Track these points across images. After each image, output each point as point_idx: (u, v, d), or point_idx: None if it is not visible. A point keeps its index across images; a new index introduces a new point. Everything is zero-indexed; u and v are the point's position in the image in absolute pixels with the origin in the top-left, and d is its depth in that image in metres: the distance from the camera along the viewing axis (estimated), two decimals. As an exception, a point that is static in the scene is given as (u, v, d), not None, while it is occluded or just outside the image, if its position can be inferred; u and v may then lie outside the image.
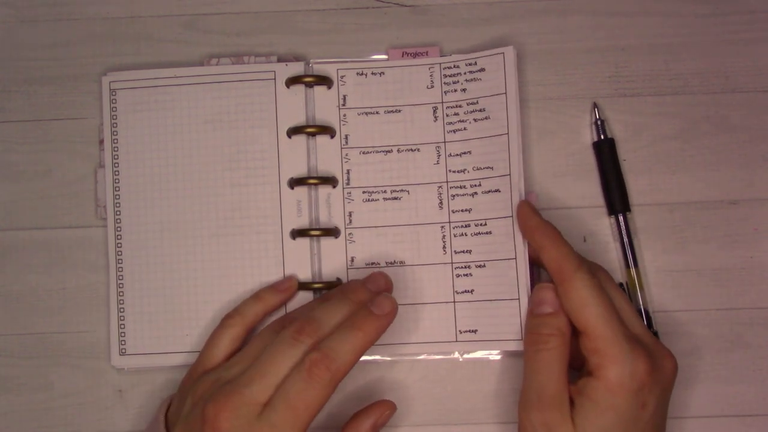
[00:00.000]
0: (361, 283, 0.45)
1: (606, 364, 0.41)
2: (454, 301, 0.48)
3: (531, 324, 0.44)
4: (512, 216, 0.47)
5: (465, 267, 0.48)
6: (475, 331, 0.47)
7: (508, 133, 0.48)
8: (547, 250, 0.43)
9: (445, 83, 0.49)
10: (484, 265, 0.48)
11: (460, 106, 0.49)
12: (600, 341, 0.41)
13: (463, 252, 0.48)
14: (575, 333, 0.43)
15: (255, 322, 0.47)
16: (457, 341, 0.48)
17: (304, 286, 0.48)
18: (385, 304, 0.43)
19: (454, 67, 0.49)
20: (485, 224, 0.48)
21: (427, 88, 0.49)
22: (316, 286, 0.48)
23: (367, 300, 0.43)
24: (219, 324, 0.46)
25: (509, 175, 0.47)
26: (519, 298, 0.46)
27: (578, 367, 0.45)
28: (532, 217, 0.45)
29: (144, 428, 0.48)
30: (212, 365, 0.45)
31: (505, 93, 0.48)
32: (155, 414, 0.45)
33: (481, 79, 0.49)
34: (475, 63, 0.49)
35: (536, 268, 0.49)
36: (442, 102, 0.49)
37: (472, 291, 0.48)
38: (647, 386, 0.41)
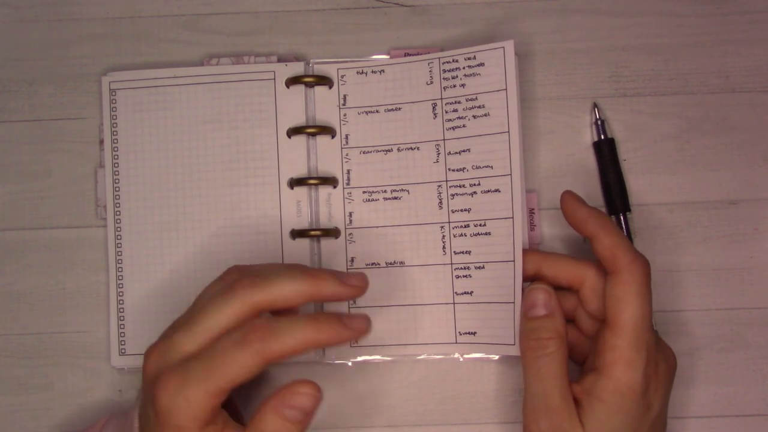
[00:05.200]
0: (334, 272, 0.41)
1: (620, 365, 0.40)
2: (454, 303, 0.48)
3: (527, 328, 0.43)
4: (512, 217, 0.46)
5: (464, 268, 0.48)
6: (474, 333, 0.47)
7: (508, 131, 0.47)
8: (601, 239, 0.42)
9: (444, 78, 0.49)
10: (483, 267, 0.47)
11: (459, 102, 0.48)
12: (623, 340, 0.40)
13: (462, 253, 0.48)
14: (581, 324, 0.43)
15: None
16: (456, 343, 0.47)
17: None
18: (357, 322, 0.40)
19: (453, 61, 0.49)
20: (484, 224, 0.47)
21: (427, 84, 0.49)
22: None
23: (330, 284, 0.40)
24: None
25: (510, 174, 0.47)
26: (514, 302, 0.46)
27: (579, 360, 0.45)
28: (580, 208, 0.44)
29: None
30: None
31: (506, 89, 0.47)
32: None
33: (480, 74, 0.48)
34: (474, 57, 0.48)
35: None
36: (441, 98, 0.49)
37: (471, 292, 0.47)
38: (653, 387, 0.41)
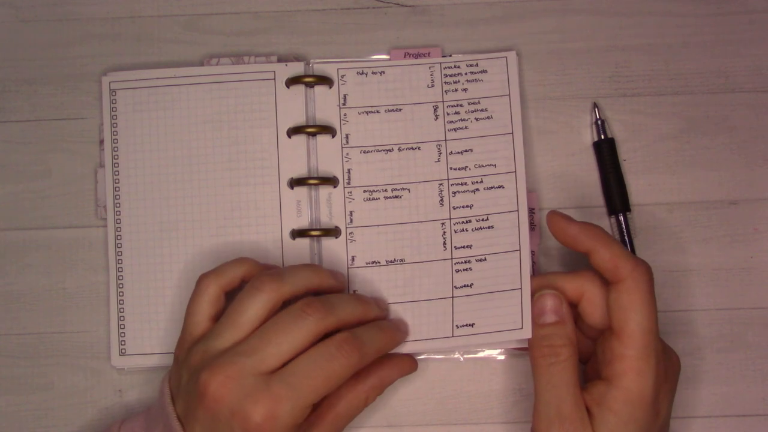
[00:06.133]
0: (368, 297, 0.47)
1: (630, 374, 0.40)
2: (453, 297, 0.48)
3: (538, 335, 0.43)
4: (517, 210, 0.47)
5: (465, 262, 0.48)
6: (472, 325, 0.47)
7: (512, 132, 0.48)
8: (599, 252, 0.42)
9: (445, 82, 0.49)
10: (485, 259, 0.47)
11: (461, 105, 0.49)
12: (632, 349, 0.40)
13: (463, 247, 0.48)
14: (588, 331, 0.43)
15: (231, 284, 0.45)
16: (453, 336, 0.47)
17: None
18: (403, 325, 0.47)
19: (455, 67, 0.49)
20: (487, 219, 0.48)
21: (428, 87, 0.49)
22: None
23: (374, 306, 0.45)
24: (195, 284, 0.45)
25: (514, 172, 0.48)
26: (521, 288, 0.46)
27: (582, 359, 0.45)
28: (570, 225, 0.43)
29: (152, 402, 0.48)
30: (200, 333, 0.43)
31: (509, 95, 0.48)
32: (160, 386, 0.44)
33: (482, 80, 0.49)
34: (477, 64, 0.49)
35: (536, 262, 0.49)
36: (443, 101, 0.49)
37: (471, 285, 0.48)
38: (662, 395, 0.41)
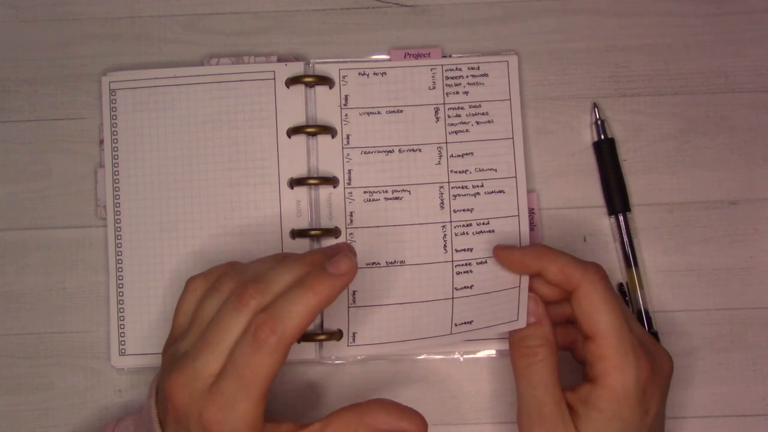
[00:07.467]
0: (321, 249, 0.42)
1: (612, 373, 0.40)
2: (453, 298, 0.48)
3: (516, 336, 0.43)
4: (518, 215, 0.48)
5: (465, 264, 0.48)
6: (470, 322, 0.47)
7: (513, 137, 0.49)
8: (548, 269, 0.42)
9: (447, 85, 0.50)
10: (486, 261, 0.48)
11: (462, 108, 0.49)
12: (608, 348, 0.40)
13: (464, 250, 0.48)
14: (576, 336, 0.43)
15: None
16: (451, 333, 0.47)
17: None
18: (342, 263, 0.40)
19: (456, 69, 0.50)
20: (488, 223, 0.48)
21: (429, 89, 0.50)
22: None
23: (327, 286, 0.39)
24: (184, 286, 0.44)
25: (515, 177, 0.48)
26: (519, 286, 0.45)
27: (582, 360, 0.45)
28: (513, 252, 0.45)
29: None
30: (180, 333, 0.43)
31: (509, 99, 0.49)
32: (149, 388, 0.44)
33: (483, 84, 0.50)
34: (478, 68, 0.50)
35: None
36: (444, 103, 0.50)
37: (471, 286, 0.48)
38: (649, 392, 0.41)
